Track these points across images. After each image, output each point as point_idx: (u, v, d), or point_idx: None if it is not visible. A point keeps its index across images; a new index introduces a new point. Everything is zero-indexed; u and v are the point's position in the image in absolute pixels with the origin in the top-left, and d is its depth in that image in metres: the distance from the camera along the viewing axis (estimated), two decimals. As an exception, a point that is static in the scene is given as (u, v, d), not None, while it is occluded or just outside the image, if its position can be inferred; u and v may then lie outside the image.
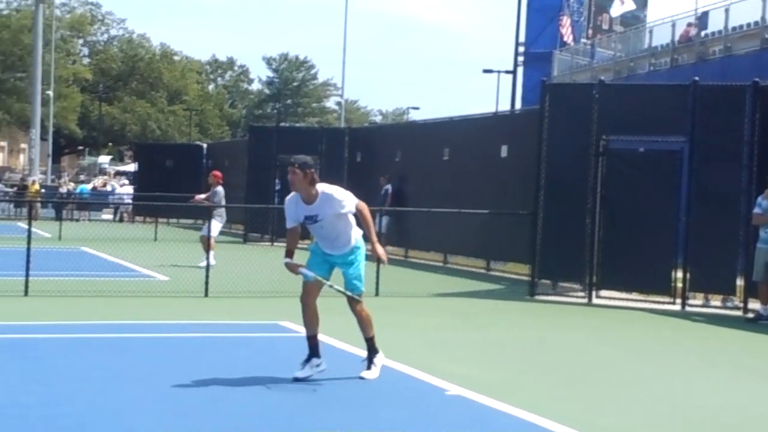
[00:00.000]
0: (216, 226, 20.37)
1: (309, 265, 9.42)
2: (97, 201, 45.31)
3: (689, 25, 34.83)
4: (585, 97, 17.87)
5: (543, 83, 18.93)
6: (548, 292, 18.08)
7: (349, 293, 9.55)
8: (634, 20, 49.74)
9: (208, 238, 19.15)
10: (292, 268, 9.30)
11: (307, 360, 9.35)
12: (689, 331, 14.64)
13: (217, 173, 22.45)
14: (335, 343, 11.51)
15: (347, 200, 9.33)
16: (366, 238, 9.61)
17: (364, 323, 9.60)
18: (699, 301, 16.96)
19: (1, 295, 14.84)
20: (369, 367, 9.49)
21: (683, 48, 34.62)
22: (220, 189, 21.75)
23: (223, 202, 21.64)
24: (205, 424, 7.62)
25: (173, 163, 41.32)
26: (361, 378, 9.38)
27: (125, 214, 42.67)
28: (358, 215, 9.47)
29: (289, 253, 9.34)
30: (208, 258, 17.87)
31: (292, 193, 9.38)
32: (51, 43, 64.99)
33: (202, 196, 22.25)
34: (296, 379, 9.16)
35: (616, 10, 48.53)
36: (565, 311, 16.21)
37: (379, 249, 9.71)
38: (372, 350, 9.57)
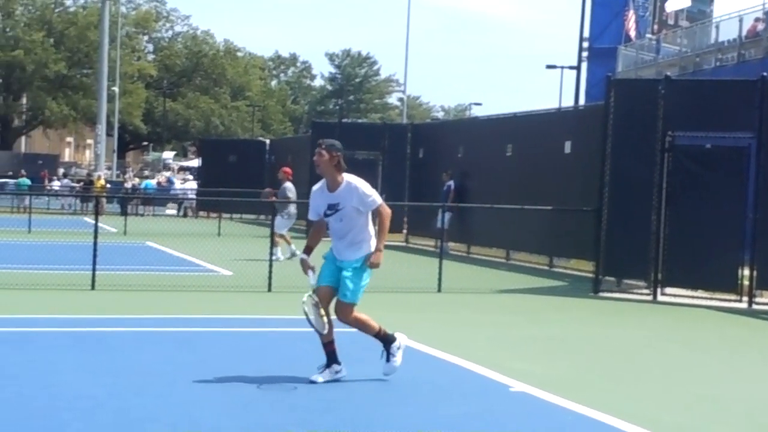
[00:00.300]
0: (280, 221, 20.49)
1: (321, 272, 9.11)
2: (162, 196, 45.74)
3: (757, 20, 34.37)
4: (650, 92, 17.71)
5: (608, 79, 18.79)
6: (612, 289, 17.94)
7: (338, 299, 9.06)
8: (700, 15, 49.18)
9: (272, 233, 19.28)
10: (304, 268, 9.07)
11: (327, 366, 9.09)
12: (756, 330, 14.47)
13: (287, 169, 22.60)
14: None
15: (373, 196, 9.13)
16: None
17: (360, 329, 9.20)
18: (766, 299, 16.74)
19: (69, 289, 15.07)
20: (388, 359, 9.11)
21: (750, 43, 34.15)
22: (287, 185, 21.92)
23: (292, 198, 21.72)
24: (270, 418, 7.68)
25: (236, 159, 41.61)
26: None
27: (189, 210, 43.06)
28: (379, 218, 9.20)
29: (308, 249, 9.11)
30: (274, 252, 18.04)
31: (319, 182, 9.20)
32: (116, 40, 65.73)
33: (271, 190, 22.44)
34: (312, 382, 8.89)
35: (671, 5, 47.99)
36: (630, 309, 16.09)
37: (377, 257, 9.13)
38: (386, 341, 9.16)
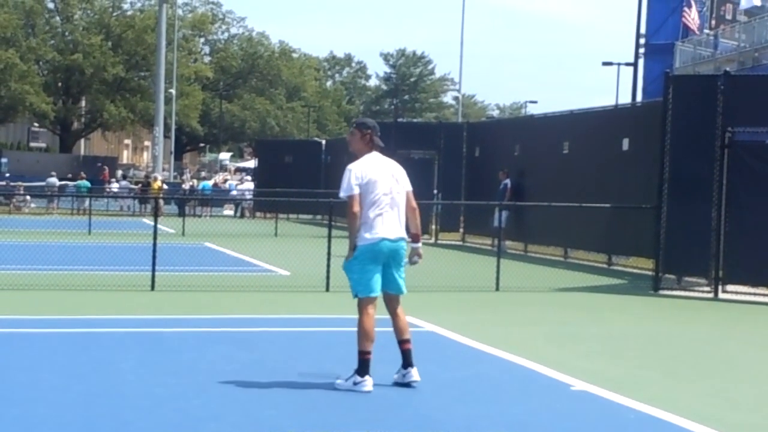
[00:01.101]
0: None
1: None
2: (219, 197, 46.05)
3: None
4: (709, 88, 17.52)
5: (666, 75, 18.63)
6: (672, 287, 17.76)
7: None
8: (758, 10, 48.61)
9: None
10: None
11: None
12: (820, 327, 14.25)
13: None
14: (458, 338, 11.52)
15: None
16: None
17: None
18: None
19: (129, 290, 15.22)
20: (347, 379, 8.63)
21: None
22: None
23: None
24: (331, 417, 7.69)
25: (292, 160, 41.77)
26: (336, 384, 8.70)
27: (246, 210, 43.30)
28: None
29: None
30: None
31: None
32: (173, 43, 66.34)
33: None
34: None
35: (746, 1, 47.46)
36: (691, 306, 15.93)
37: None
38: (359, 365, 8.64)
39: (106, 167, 62.78)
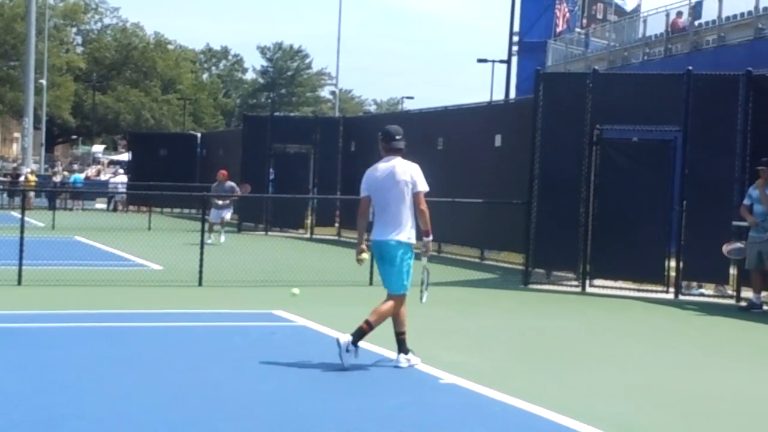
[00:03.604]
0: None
1: None
2: (91, 190, 45.25)
3: (678, 14, 34.90)
4: (579, 86, 17.88)
5: (537, 72, 18.94)
6: (542, 281, 18.11)
7: None
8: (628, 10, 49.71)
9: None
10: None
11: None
12: (682, 320, 14.68)
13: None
14: (330, 332, 11.55)
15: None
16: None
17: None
18: (693, 290, 17.01)
19: (-5, 284, 14.86)
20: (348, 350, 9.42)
21: (677, 37, 34.64)
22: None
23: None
24: (200, 413, 7.64)
25: (167, 153, 41.34)
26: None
27: (119, 204, 42.65)
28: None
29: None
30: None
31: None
32: (44, 32, 64.93)
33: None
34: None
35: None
36: (559, 300, 16.24)
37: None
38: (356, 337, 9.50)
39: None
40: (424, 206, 9.69)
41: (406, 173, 9.66)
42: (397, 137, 9.82)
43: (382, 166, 9.72)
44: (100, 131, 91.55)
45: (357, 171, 27.77)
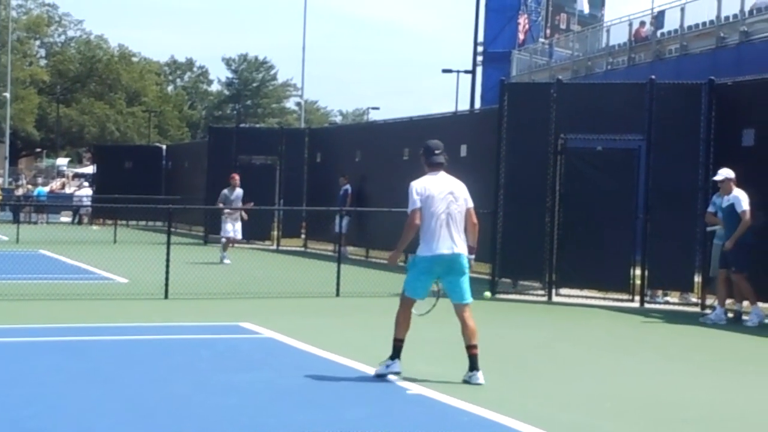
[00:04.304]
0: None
1: None
2: (55, 203, 44.97)
3: (641, 24, 35.17)
4: (543, 96, 17.97)
5: (501, 83, 19.01)
6: (508, 291, 18.16)
7: None
8: (591, 19, 50.05)
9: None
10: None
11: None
12: (647, 328, 14.75)
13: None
14: (297, 344, 11.53)
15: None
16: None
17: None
18: (657, 298, 17.12)
19: (-42, 299, 14.73)
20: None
21: (640, 47, 34.90)
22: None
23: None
24: (166, 426, 7.61)
25: (132, 165, 41.17)
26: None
27: (84, 217, 42.41)
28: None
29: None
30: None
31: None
32: (7, 45, 64.47)
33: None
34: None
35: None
36: (525, 309, 16.29)
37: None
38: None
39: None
40: (476, 220, 10.09)
41: (462, 189, 9.98)
42: (437, 152, 10.10)
43: (437, 180, 9.94)
44: (65, 144, 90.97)
45: (323, 182, 28.17)
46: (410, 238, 9.92)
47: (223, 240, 23.44)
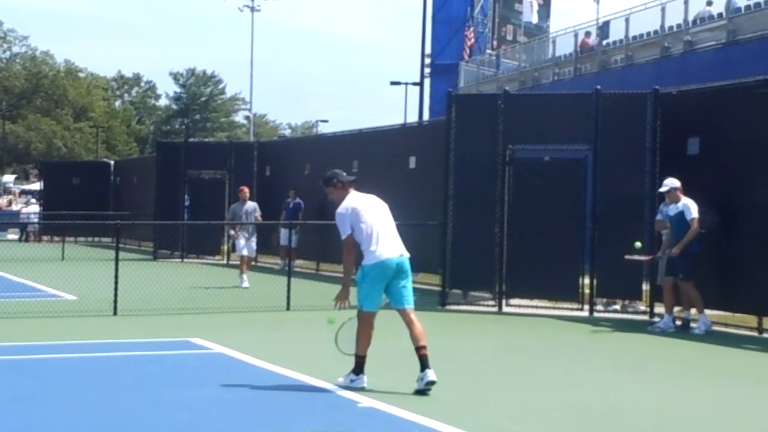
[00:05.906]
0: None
1: None
2: (1, 221, 44.49)
3: (587, 35, 35.47)
4: (490, 107, 18.05)
5: (449, 94, 19.08)
6: (459, 302, 18.20)
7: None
8: (537, 31, 50.39)
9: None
10: None
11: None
12: (596, 337, 14.85)
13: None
14: (247, 359, 11.48)
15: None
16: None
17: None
18: (606, 307, 17.24)
19: None
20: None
21: (586, 57, 35.19)
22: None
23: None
24: (115, 444, 7.55)
25: (80, 181, 40.85)
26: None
27: (32, 234, 41.96)
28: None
29: None
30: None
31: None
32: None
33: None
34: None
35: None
36: (476, 320, 16.34)
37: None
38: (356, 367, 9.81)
39: None
40: None
41: (378, 199, 10.16)
42: (343, 174, 10.16)
43: (355, 197, 10.01)
44: (11, 161, 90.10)
45: (272, 195, 28.08)
46: (352, 261, 9.90)
47: (242, 261, 21.62)
